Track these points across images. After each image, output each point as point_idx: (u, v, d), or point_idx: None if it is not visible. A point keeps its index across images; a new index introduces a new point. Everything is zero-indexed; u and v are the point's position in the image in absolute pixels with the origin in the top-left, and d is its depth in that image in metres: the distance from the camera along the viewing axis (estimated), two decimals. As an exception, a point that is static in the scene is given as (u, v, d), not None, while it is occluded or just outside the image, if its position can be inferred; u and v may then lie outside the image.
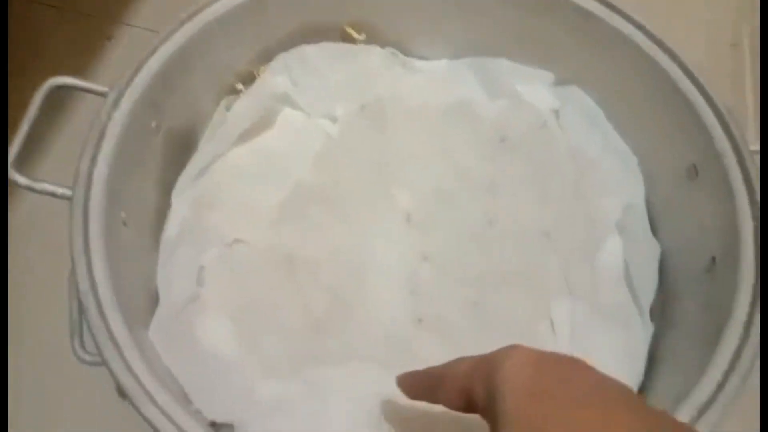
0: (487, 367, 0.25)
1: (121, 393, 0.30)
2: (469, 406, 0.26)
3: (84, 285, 0.30)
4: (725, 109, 0.38)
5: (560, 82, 0.46)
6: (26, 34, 0.60)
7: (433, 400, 0.28)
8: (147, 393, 0.29)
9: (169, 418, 0.28)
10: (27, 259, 0.50)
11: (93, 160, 0.34)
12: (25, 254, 0.50)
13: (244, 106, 0.43)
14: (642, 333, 0.38)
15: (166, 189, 0.40)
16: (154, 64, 0.37)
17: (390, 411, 0.35)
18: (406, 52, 0.48)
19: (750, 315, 0.32)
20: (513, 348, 0.25)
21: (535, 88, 0.46)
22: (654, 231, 0.42)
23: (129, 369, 0.29)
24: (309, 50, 0.45)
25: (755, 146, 0.37)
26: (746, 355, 0.31)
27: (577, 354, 0.36)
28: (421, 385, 0.29)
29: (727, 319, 0.32)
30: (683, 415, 0.30)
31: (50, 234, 0.48)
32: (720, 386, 0.30)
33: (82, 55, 0.59)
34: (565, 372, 0.24)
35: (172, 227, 0.40)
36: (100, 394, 0.40)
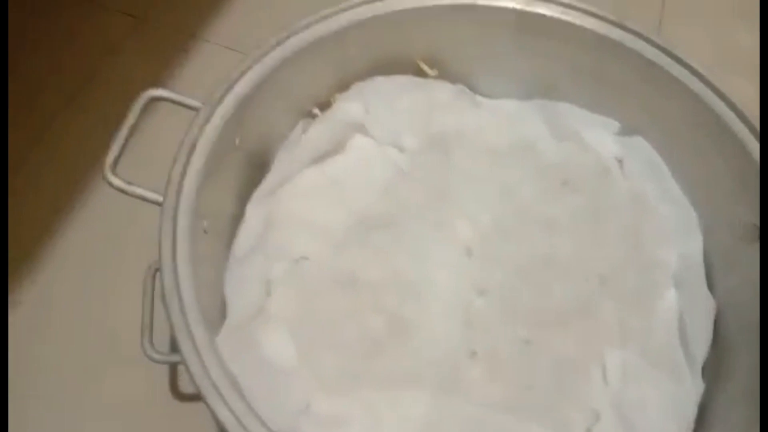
0: None
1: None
2: None
3: (169, 284, 0.32)
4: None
5: (625, 131, 0.47)
6: (102, 39, 0.63)
7: None
8: (221, 395, 0.30)
9: (239, 422, 0.29)
10: (103, 258, 0.50)
11: (184, 171, 0.36)
12: (103, 254, 0.50)
13: (319, 130, 0.45)
14: (692, 390, 0.39)
15: (241, 202, 0.42)
16: (244, 85, 0.40)
17: None
18: (475, 90, 0.49)
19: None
20: None
21: (600, 135, 0.47)
22: (710, 286, 0.42)
23: (205, 369, 0.31)
24: (382, 81, 0.47)
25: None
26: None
27: (626, 406, 0.37)
28: None
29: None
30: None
31: (126, 236, 0.49)
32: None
33: (159, 65, 0.61)
34: None
35: (243, 239, 0.41)
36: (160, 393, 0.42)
